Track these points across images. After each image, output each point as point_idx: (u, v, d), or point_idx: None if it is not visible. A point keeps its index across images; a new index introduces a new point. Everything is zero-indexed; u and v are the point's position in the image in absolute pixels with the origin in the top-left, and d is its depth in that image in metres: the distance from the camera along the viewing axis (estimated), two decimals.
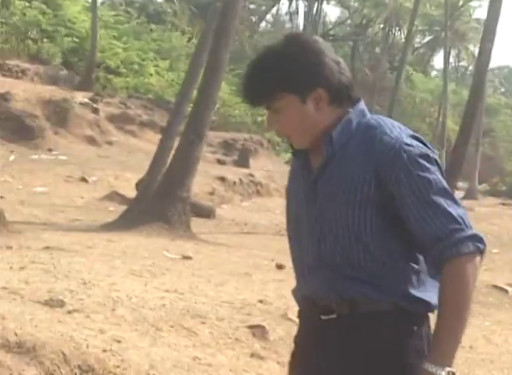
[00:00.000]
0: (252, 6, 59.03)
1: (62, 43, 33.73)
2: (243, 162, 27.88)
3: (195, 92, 15.94)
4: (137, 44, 36.40)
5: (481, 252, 2.48)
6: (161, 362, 6.17)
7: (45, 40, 33.23)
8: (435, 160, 2.57)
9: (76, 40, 34.20)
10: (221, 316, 7.24)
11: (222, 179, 23.89)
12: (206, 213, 19.33)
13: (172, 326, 6.87)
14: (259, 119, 34.59)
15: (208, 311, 7.34)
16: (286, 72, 2.53)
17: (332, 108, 2.57)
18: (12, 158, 22.96)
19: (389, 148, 2.50)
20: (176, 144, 15.54)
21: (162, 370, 6.05)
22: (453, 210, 2.49)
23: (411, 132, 2.59)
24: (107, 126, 28.30)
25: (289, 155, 27.12)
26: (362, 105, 2.64)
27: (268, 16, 64.95)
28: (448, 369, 2.41)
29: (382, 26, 59.86)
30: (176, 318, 7.04)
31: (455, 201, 2.53)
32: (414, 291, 2.52)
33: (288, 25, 62.21)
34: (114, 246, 12.03)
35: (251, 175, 25.37)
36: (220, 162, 28.38)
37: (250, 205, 23.73)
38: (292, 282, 2.93)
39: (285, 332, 7.12)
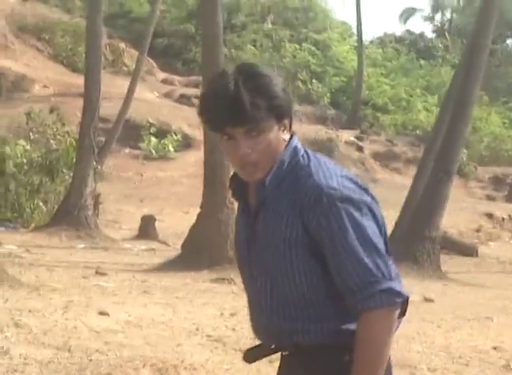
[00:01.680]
0: None
1: (331, 83, 34.72)
2: None
3: None
4: (405, 80, 36.50)
5: (396, 305, 2.45)
6: None
7: (314, 80, 34.28)
8: (365, 203, 2.50)
9: (344, 79, 35.13)
10: (434, 366, 6.91)
11: (490, 215, 23.37)
12: (469, 251, 18.89)
13: None
14: None
15: (420, 360, 7.03)
16: (277, 94, 2.51)
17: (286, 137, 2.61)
18: None
19: (311, 191, 2.47)
20: None
21: None
22: (370, 261, 2.45)
23: (344, 173, 2.55)
24: (372, 164, 28.55)
25: None
26: (295, 141, 2.62)
27: None
28: None
29: None
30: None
31: (376, 250, 2.46)
32: (350, 326, 2.54)
33: None
34: None
35: None
36: (489, 197, 27.69)
37: None
38: None
39: None
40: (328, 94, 34.19)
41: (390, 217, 20.91)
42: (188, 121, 24.63)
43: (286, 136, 2.58)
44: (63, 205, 16.79)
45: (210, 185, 13.11)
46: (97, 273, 11.51)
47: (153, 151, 24.54)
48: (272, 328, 2.63)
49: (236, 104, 2.51)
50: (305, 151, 2.61)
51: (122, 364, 6.02)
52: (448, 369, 6.91)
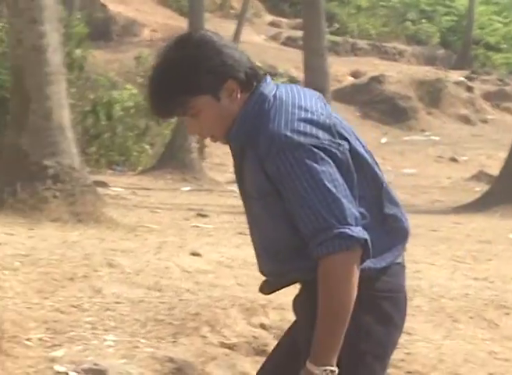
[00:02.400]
0: None
1: (440, 22, 34.42)
2: None
3: None
4: None
5: (352, 250, 2.49)
6: (452, 355, 6.21)
7: (423, 20, 34.11)
8: (320, 147, 2.54)
9: (455, 18, 34.76)
10: None
11: None
12: None
13: (471, 318, 6.89)
14: None
15: None
16: (191, 78, 2.60)
17: (244, 94, 2.65)
18: (384, 140, 23.93)
19: (263, 142, 2.55)
20: None
21: (452, 364, 6.08)
22: (322, 206, 2.50)
23: (304, 114, 2.57)
24: (482, 105, 28.26)
25: None
26: (262, 87, 2.66)
27: None
28: (324, 368, 2.53)
29: None
30: (478, 308, 7.03)
31: (330, 195, 2.50)
32: None
33: None
34: (459, 229, 12.18)
35: None
36: None
37: None
38: None
39: None
40: (438, 34, 33.79)
41: (503, 158, 21.02)
42: (294, 63, 24.91)
43: (242, 94, 2.63)
44: (168, 148, 17.61)
45: None
46: (198, 215, 12.05)
47: None
48: (269, 270, 2.76)
49: (153, 103, 2.67)
50: (274, 94, 2.64)
51: (211, 304, 6.27)
52: None
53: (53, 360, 5.88)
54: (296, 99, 2.66)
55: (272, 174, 2.56)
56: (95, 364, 5.85)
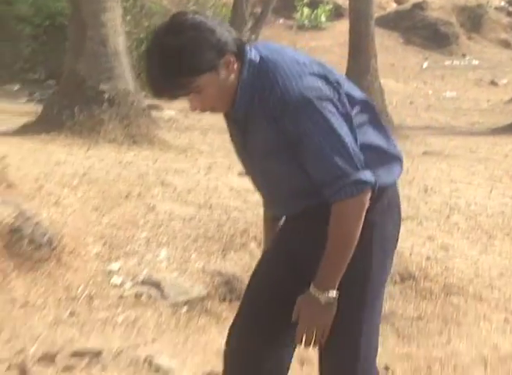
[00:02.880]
0: None
1: None
2: None
3: None
4: None
5: (364, 193, 2.74)
6: (488, 270, 6.28)
7: None
8: (326, 99, 2.70)
9: None
10: None
11: None
12: None
13: (507, 234, 6.95)
14: None
15: None
16: (194, 60, 2.69)
17: (238, 64, 2.76)
18: (425, 64, 23.99)
19: (276, 103, 2.69)
20: None
21: (487, 278, 6.14)
22: (336, 156, 2.70)
23: (301, 68, 2.72)
24: None
25: None
26: (249, 54, 2.78)
27: None
28: (328, 293, 2.78)
29: None
30: (507, 222, 7.15)
31: (341, 144, 2.70)
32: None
33: None
34: (497, 150, 12.31)
35: None
36: None
37: None
38: None
39: None
40: None
41: None
42: None
43: (237, 64, 2.74)
44: None
45: (355, 53, 13.43)
46: None
47: (305, 22, 25.07)
48: (282, 212, 3.04)
49: (157, 85, 2.75)
50: (261, 57, 2.78)
51: (258, 222, 6.33)
52: None
53: (110, 273, 6.11)
54: (283, 55, 2.81)
55: (291, 129, 2.72)
56: (150, 277, 6.07)
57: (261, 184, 3.02)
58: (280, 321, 3.05)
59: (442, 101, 19.39)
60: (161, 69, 2.73)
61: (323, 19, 24.97)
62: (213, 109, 2.86)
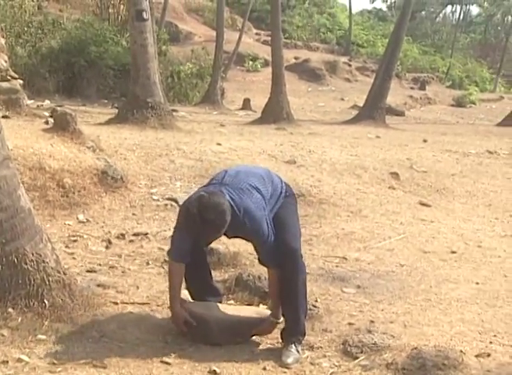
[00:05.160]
0: None
1: (336, 33, 46.42)
2: (422, 87, 40.18)
3: None
4: None
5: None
6: (340, 191, 9.05)
7: (328, 32, 45.73)
8: (262, 212, 3.93)
9: (342, 31, 46.52)
10: (373, 167, 10.80)
11: (411, 96, 36.56)
12: (399, 114, 29.03)
13: (350, 173, 9.81)
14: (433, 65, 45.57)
15: (367, 165, 10.75)
16: (226, 221, 3.87)
17: None
18: (309, 89, 35.22)
19: (251, 221, 3.98)
20: None
21: (339, 195, 8.98)
22: (265, 249, 4.03)
23: (254, 198, 3.92)
24: (355, 73, 39.61)
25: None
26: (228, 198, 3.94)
27: None
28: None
29: None
30: (348, 167, 9.95)
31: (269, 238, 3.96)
32: None
33: None
34: (345, 131, 17.88)
35: (426, 94, 37.67)
36: (412, 88, 40.30)
37: (425, 109, 33.81)
38: None
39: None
40: (335, 39, 45.67)
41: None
42: (267, 52, 30.63)
43: None
44: (206, 93, 25.47)
45: (275, 84, 20.47)
46: (220, 125, 16.56)
47: (250, 68, 36.02)
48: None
49: (207, 237, 3.91)
50: (228, 199, 3.93)
51: (225, 166, 7.78)
52: (379, 168, 10.47)
53: (152, 194, 7.95)
54: (241, 187, 3.88)
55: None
56: (171, 196, 7.93)
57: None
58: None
59: (317, 108, 28.92)
60: (218, 225, 3.79)
61: (259, 66, 36.23)
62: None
